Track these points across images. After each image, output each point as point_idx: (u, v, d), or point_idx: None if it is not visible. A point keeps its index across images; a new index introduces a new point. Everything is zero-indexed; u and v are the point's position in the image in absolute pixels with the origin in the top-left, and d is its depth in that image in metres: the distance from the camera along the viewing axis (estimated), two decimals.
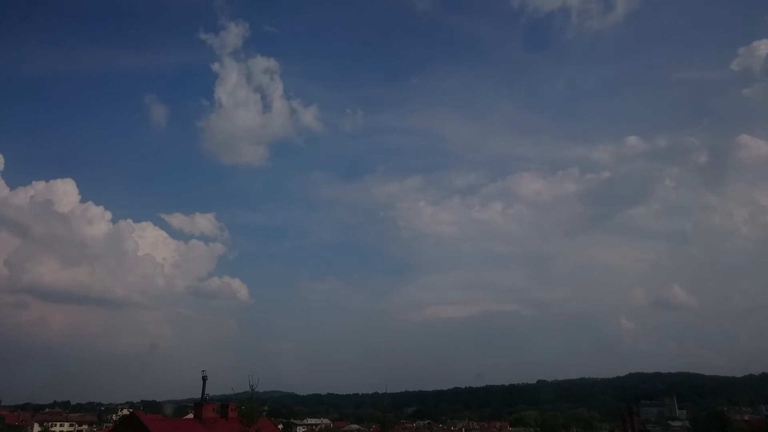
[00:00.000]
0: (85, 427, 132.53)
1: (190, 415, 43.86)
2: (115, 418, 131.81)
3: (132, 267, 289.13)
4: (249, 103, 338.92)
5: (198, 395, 36.37)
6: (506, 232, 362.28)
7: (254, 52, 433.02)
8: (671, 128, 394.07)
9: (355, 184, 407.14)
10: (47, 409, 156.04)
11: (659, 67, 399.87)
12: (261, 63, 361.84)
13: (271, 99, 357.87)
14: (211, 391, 36.27)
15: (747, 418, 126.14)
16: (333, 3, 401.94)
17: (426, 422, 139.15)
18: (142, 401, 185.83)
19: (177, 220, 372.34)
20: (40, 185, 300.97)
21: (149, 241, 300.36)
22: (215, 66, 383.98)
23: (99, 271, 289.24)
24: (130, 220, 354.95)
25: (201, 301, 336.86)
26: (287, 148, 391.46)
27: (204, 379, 35.19)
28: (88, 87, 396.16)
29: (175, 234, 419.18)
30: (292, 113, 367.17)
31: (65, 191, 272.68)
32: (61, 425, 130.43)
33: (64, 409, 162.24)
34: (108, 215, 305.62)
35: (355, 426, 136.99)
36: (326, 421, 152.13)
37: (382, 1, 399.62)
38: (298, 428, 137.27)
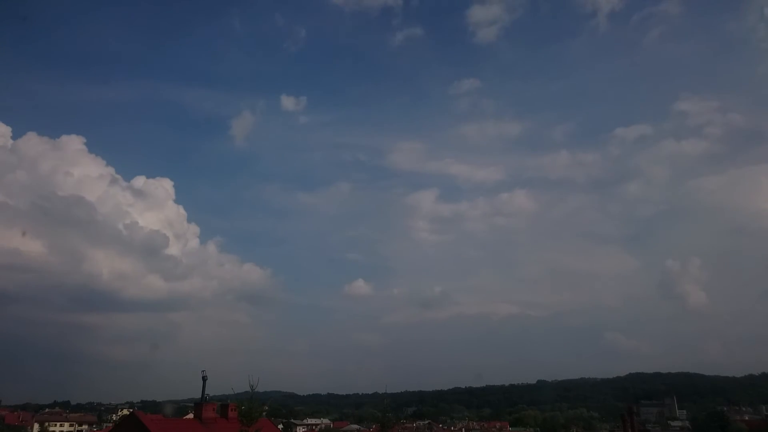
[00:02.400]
0: (85, 427, 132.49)
1: (190, 415, 43.82)
2: (115, 418, 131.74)
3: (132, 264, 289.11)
4: None
5: (198, 395, 36.35)
6: (488, 237, 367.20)
7: None
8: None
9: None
10: (47, 409, 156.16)
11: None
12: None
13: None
14: (211, 392, 36.22)
15: (747, 418, 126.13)
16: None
17: (426, 422, 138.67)
18: (142, 401, 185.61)
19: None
20: None
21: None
22: None
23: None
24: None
25: (202, 303, 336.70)
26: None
27: (204, 379, 35.10)
28: None
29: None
30: None
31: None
32: (61, 425, 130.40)
33: (64, 409, 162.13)
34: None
35: (355, 426, 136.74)
36: (326, 421, 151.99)
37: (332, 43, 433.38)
38: (298, 428, 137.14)
